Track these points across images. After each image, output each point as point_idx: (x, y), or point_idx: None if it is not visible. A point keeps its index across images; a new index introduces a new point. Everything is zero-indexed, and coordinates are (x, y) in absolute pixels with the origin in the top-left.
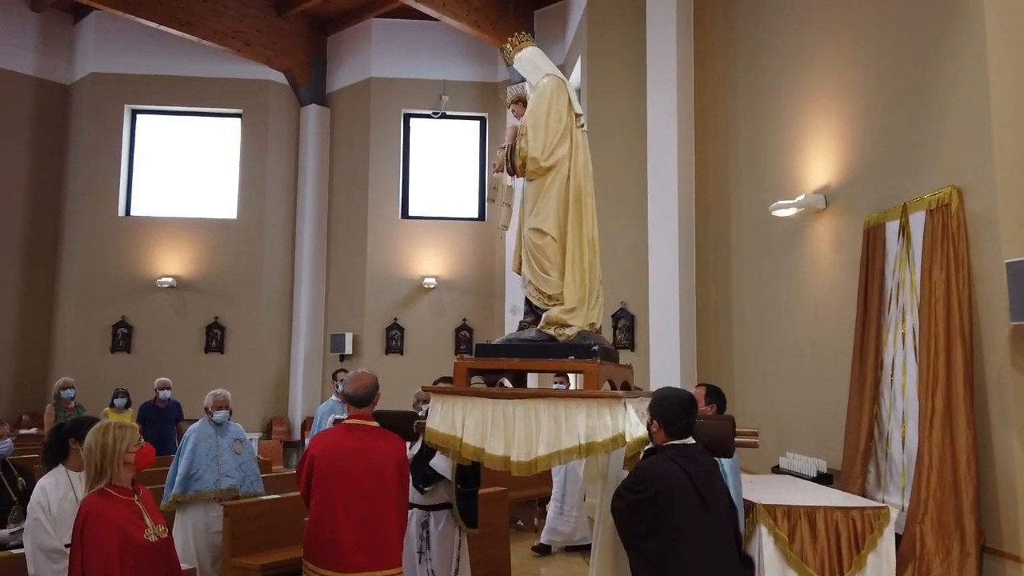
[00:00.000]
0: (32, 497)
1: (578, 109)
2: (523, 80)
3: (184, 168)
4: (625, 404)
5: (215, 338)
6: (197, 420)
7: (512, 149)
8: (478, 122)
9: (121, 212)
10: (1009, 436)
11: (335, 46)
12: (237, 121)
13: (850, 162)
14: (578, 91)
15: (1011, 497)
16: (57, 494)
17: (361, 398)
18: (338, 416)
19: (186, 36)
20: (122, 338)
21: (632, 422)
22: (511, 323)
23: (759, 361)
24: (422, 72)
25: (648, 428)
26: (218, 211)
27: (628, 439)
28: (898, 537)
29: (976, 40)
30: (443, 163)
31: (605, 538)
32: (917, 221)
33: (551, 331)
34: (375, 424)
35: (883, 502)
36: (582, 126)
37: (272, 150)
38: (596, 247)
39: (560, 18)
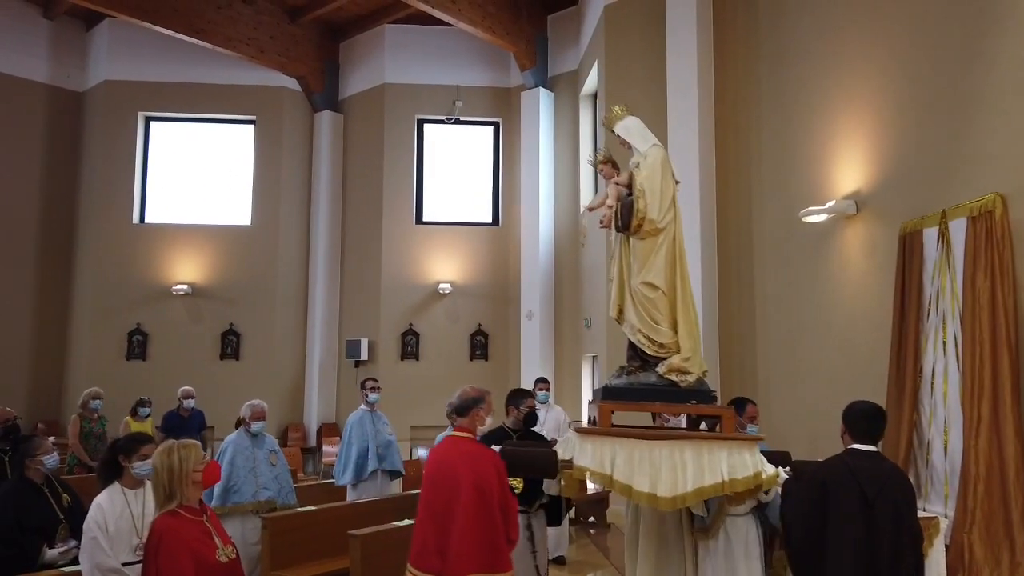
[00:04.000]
0: (88, 515)
1: (677, 176)
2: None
3: (198, 175)
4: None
5: (230, 345)
6: (211, 428)
7: (628, 208)
8: (491, 127)
9: (135, 219)
10: None
11: (348, 52)
12: (251, 128)
13: (883, 167)
14: (594, 96)
15: None
16: (114, 512)
17: (456, 408)
18: (369, 424)
19: (200, 43)
20: (137, 345)
21: (763, 461)
22: (527, 328)
23: (786, 368)
24: (435, 78)
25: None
26: (232, 218)
27: (763, 476)
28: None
29: (1017, 46)
30: (457, 168)
31: (643, 548)
32: (958, 228)
33: (673, 377)
34: (467, 436)
35: (924, 511)
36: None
37: (286, 156)
38: (694, 302)
39: (573, 23)
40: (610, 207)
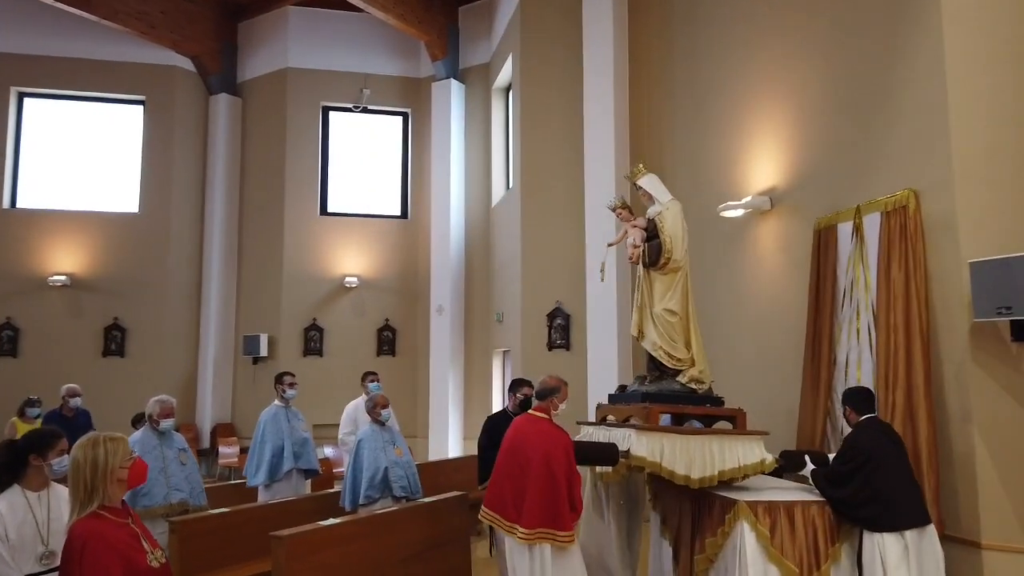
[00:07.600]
0: None
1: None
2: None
3: (80, 158)
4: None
5: (114, 340)
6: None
7: (656, 249)
8: (401, 117)
9: (6, 204)
10: (970, 429)
11: (247, 33)
12: (139, 108)
13: (798, 165)
14: (507, 90)
15: (971, 487)
16: (15, 519)
17: (537, 393)
18: (284, 421)
19: (83, 15)
20: (7, 341)
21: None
22: (436, 323)
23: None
24: (342, 64)
25: (844, 415)
26: (118, 205)
27: (766, 463)
28: None
29: (933, 45)
30: (364, 159)
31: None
32: (872, 222)
33: (693, 385)
34: (544, 417)
35: None
36: None
37: (178, 141)
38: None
39: (485, 15)
40: (636, 247)
